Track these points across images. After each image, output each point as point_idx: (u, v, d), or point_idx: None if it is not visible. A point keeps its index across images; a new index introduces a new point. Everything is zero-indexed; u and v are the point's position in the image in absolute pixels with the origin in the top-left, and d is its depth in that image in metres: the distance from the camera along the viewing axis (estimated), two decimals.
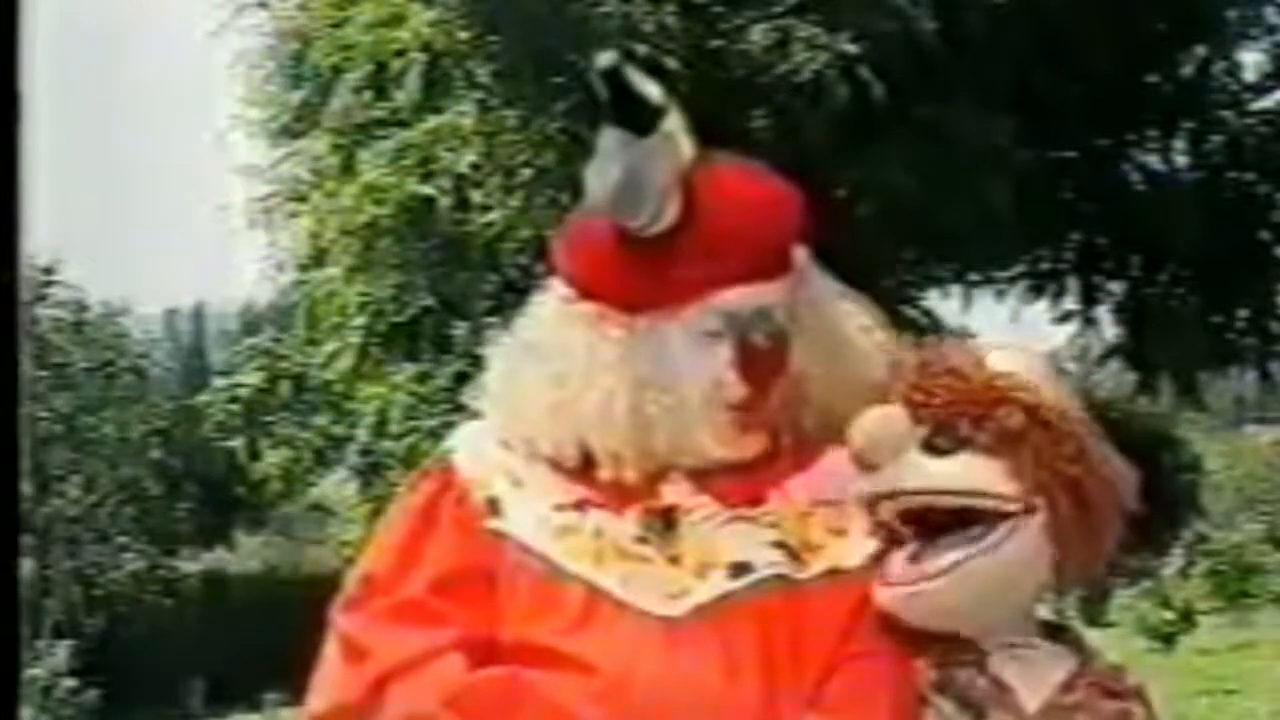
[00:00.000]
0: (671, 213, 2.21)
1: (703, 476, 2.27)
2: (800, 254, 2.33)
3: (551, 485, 2.28)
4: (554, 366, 2.29)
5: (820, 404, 2.31)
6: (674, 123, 2.21)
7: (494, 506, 2.28)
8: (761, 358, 2.26)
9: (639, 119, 2.18)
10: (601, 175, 2.21)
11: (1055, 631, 2.30)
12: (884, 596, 2.23)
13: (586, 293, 2.29)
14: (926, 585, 2.21)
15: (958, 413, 2.24)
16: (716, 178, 2.27)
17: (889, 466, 2.24)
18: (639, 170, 2.18)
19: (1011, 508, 2.22)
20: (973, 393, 2.25)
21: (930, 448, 2.24)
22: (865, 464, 2.25)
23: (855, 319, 2.37)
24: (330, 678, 2.28)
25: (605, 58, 2.16)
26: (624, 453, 2.25)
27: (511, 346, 2.36)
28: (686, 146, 2.24)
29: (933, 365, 2.28)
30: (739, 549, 2.23)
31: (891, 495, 2.24)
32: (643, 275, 2.25)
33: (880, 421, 2.25)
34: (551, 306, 2.34)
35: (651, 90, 2.19)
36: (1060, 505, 2.23)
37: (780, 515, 2.26)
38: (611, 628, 2.20)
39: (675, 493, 2.26)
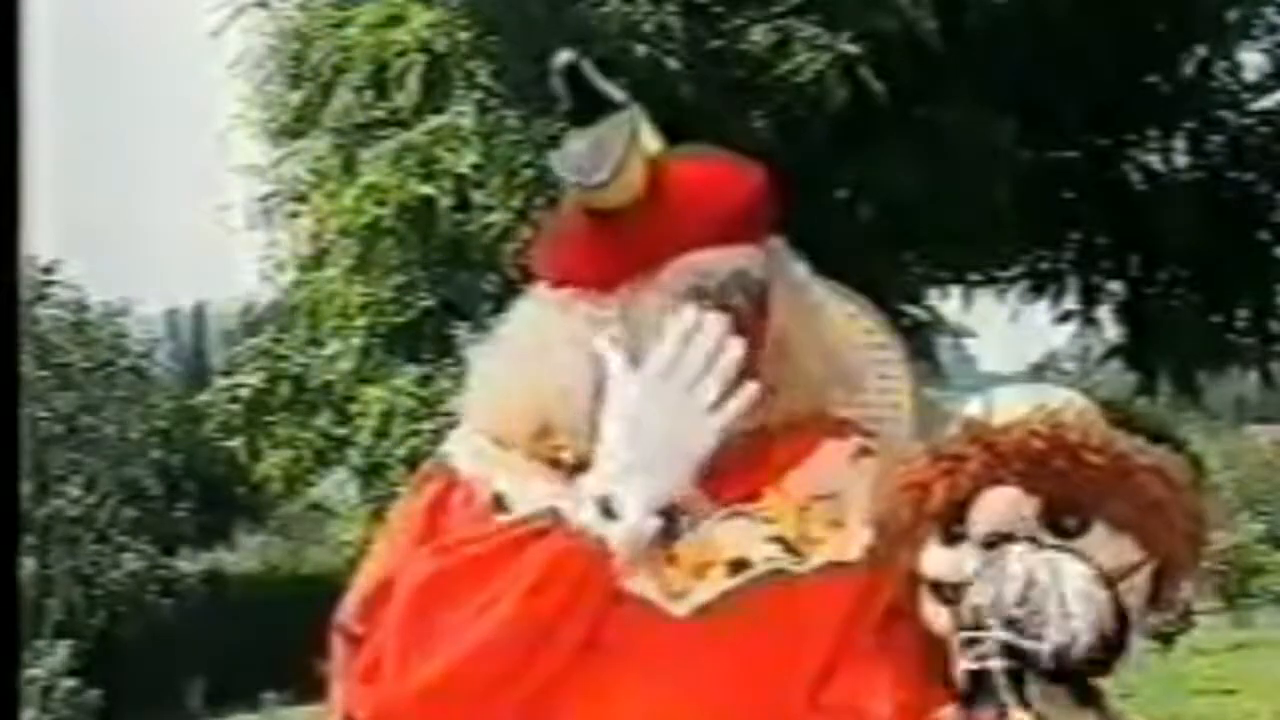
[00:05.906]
0: (635, 180, 2.19)
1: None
2: (776, 240, 2.32)
3: (552, 480, 2.26)
4: (521, 351, 2.29)
5: (793, 386, 2.28)
6: (637, 112, 2.21)
7: (500, 502, 2.26)
8: (742, 320, 2.22)
9: (601, 114, 2.18)
10: (567, 147, 2.21)
11: (1078, 689, 2.12)
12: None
13: (563, 281, 2.29)
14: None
15: (1084, 483, 2.05)
16: (680, 160, 2.27)
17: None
18: (602, 135, 2.18)
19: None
20: (1106, 458, 2.04)
21: (1056, 530, 2.06)
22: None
23: (837, 315, 2.36)
24: (345, 689, 2.26)
25: (562, 56, 2.16)
26: (583, 427, 2.24)
27: (488, 345, 2.37)
28: (650, 136, 2.24)
29: (1028, 424, 2.07)
30: (736, 545, 2.21)
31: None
32: (614, 251, 2.24)
33: (1004, 509, 2.06)
34: (529, 303, 2.34)
35: (610, 88, 2.19)
36: (1179, 557, 2.10)
37: (778, 511, 2.24)
38: (622, 619, 2.19)
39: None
